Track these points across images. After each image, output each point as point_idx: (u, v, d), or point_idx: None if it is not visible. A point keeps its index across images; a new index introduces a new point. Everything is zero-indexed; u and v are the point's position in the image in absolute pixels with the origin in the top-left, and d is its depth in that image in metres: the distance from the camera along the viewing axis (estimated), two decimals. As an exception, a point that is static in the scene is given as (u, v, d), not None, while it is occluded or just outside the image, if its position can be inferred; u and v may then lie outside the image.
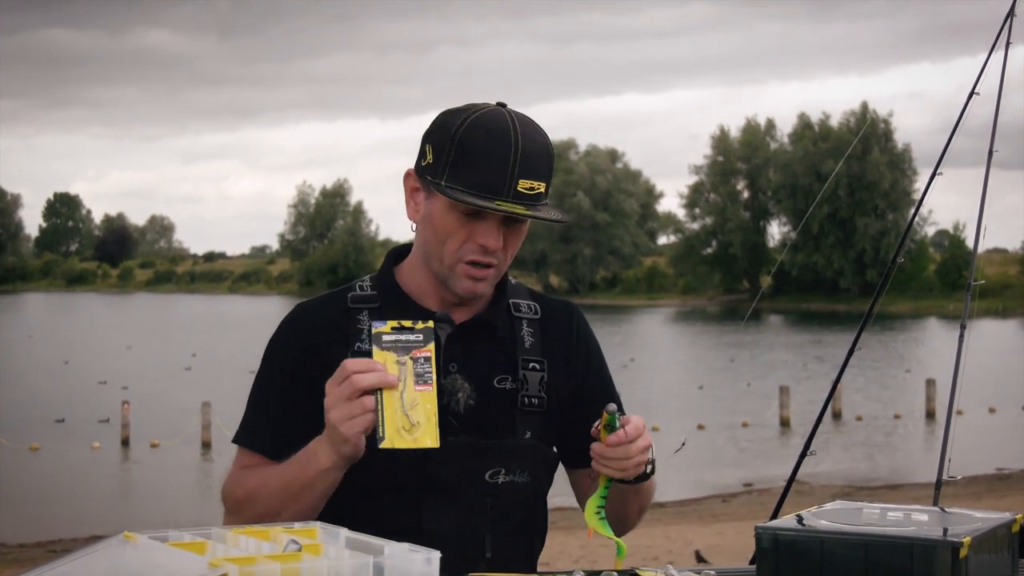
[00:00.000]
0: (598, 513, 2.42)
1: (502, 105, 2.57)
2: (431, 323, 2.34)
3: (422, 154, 2.57)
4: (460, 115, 2.53)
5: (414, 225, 2.61)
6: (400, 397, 2.29)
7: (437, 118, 2.58)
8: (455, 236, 2.52)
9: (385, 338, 2.32)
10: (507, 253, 2.56)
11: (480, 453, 2.54)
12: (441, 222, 2.52)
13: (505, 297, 2.67)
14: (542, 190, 2.51)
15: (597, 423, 2.42)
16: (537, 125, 2.54)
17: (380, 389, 2.28)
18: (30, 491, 19.28)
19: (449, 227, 2.52)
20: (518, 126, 2.50)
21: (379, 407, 2.28)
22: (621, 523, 2.64)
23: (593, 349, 2.76)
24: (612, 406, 2.40)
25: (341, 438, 2.31)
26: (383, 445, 2.27)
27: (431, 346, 2.32)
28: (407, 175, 2.61)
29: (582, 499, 2.73)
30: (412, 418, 2.29)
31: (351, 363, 2.30)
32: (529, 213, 2.47)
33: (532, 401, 2.60)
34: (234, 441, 2.66)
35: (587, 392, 2.69)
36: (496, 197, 2.46)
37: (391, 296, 2.63)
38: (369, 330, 2.43)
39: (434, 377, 2.32)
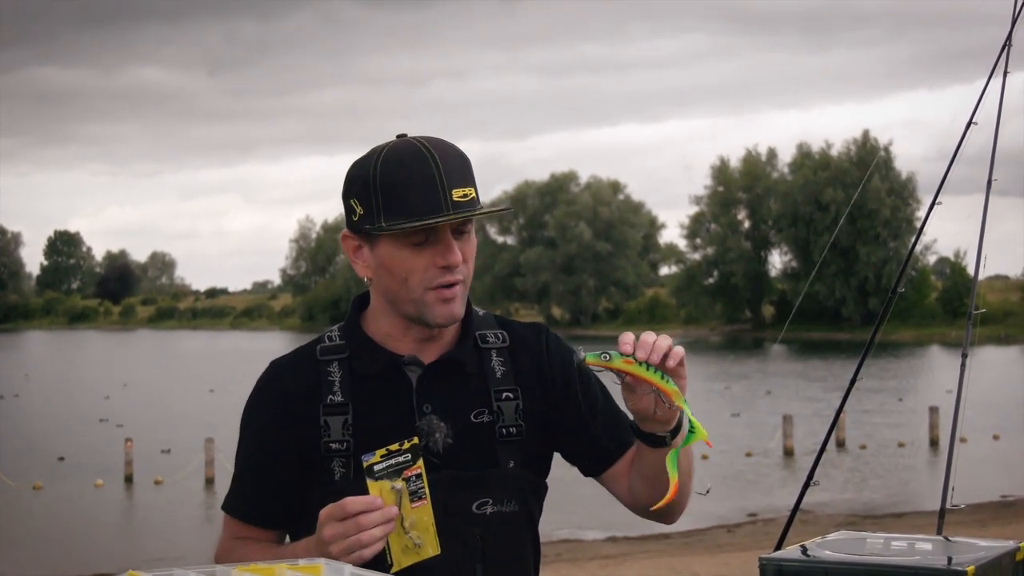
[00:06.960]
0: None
1: (402, 136, 2.58)
2: (416, 439, 2.39)
3: (350, 211, 2.57)
4: (370, 160, 2.54)
5: (368, 280, 2.61)
6: (401, 523, 2.35)
7: (348, 173, 2.58)
8: (414, 270, 2.52)
9: (377, 468, 2.35)
10: (467, 265, 2.57)
11: (465, 485, 2.54)
12: (395, 262, 2.53)
13: (472, 330, 2.66)
14: (474, 195, 2.53)
15: (592, 365, 2.37)
16: (444, 140, 2.56)
17: None
18: (34, 530, 19.23)
19: (405, 263, 2.52)
20: (427, 145, 2.52)
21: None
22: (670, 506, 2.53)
23: (567, 357, 2.73)
24: (580, 354, 2.35)
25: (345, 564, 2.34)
26: (394, 570, 2.36)
27: (420, 462, 2.37)
28: (344, 237, 2.61)
29: (625, 500, 2.71)
30: (414, 539, 2.36)
31: (351, 504, 2.32)
32: (476, 213, 2.50)
33: (510, 431, 2.60)
34: (223, 509, 2.68)
35: (576, 395, 2.67)
36: (438, 213, 2.48)
37: (359, 344, 2.63)
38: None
39: (427, 490, 2.37)
